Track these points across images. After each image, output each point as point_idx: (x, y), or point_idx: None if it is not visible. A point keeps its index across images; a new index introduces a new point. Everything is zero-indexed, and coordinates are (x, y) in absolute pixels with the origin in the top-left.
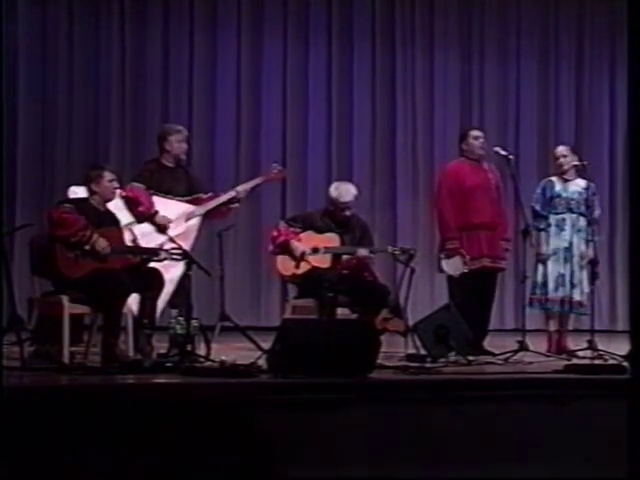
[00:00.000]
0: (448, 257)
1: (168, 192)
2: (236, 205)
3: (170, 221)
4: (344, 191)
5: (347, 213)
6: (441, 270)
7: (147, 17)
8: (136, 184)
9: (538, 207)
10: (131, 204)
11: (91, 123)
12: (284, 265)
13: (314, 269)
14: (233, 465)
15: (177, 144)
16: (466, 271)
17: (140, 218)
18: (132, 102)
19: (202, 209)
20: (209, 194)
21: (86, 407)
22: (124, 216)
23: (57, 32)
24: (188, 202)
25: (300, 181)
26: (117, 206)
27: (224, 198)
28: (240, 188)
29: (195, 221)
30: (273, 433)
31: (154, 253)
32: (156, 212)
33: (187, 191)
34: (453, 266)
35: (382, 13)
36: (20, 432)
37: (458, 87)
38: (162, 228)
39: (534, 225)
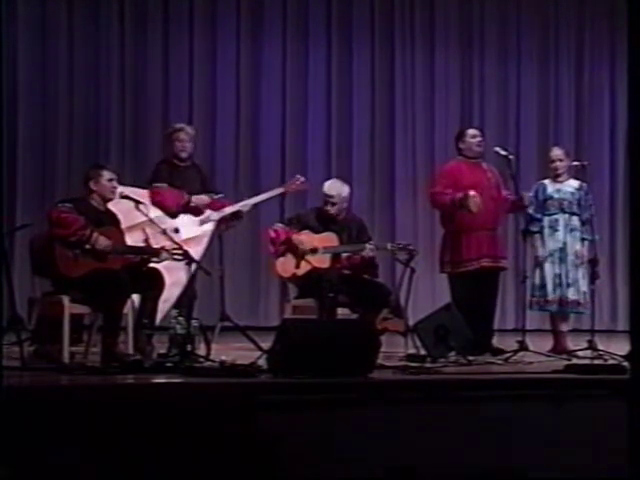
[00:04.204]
0: (465, 206)
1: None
2: (236, 223)
3: (205, 200)
4: (331, 185)
5: (329, 208)
6: (442, 271)
7: (147, 17)
8: (158, 185)
9: (531, 210)
10: (161, 206)
11: (91, 123)
12: (284, 267)
13: (314, 269)
14: (233, 465)
15: (176, 143)
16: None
17: (177, 212)
18: (132, 102)
19: (217, 215)
20: (220, 195)
21: (86, 407)
22: (134, 216)
23: (57, 32)
24: None
25: None
26: (121, 208)
27: (242, 204)
28: (258, 198)
29: (209, 226)
30: (273, 433)
31: (155, 253)
32: (189, 199)
33: (199, 190)
34: (475, 205)
35: (382, 12)
36: (20, 432)
37: (458, 87)
38: (198, 210)
39: (527, 228)
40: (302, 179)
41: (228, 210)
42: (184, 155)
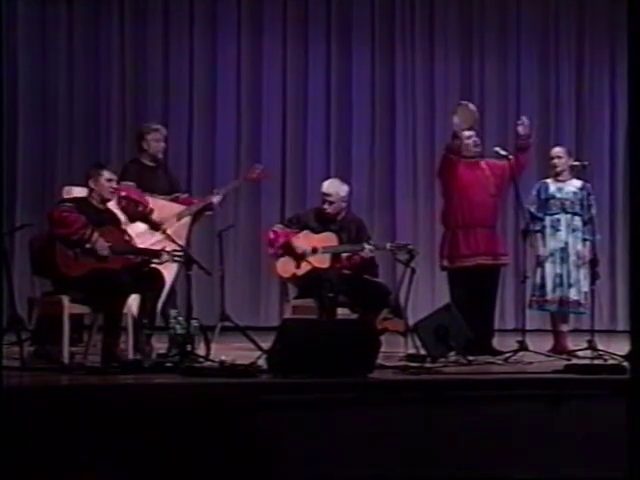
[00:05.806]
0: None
1: (151, 191)
2: (210, 212)
3: (162, 220)
4: (330, 184)
5: (326, 207)
6: (443, 268)
7: (147, 18)
8: (127, 183)
9: (533, 209)
10: (127, 203)
11: (91, 123)
12: (284, 268)
13: (314, 269)
14: (233, 465)
15: (154, 143)
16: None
17: (135, 216)
18: (132, 102)
19: (192, 208)
20: (186, 195)
21: (86, 407)
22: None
23: (57, 32)
24: (170, 201)
25: (299, 182)
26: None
27: (213, 198)
28: (223, 190)
29: (186, 220)
30: (273, 433)
31: (156, 254)
32: (152, 210)
33: (168, 190)
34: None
35: (382, 12)
36: (20, 432)
37: (458, 87)
38: (156, 226)
39: (527, 228)
40: (261, 167)
41: (200, 204)
42: (161, 155)
